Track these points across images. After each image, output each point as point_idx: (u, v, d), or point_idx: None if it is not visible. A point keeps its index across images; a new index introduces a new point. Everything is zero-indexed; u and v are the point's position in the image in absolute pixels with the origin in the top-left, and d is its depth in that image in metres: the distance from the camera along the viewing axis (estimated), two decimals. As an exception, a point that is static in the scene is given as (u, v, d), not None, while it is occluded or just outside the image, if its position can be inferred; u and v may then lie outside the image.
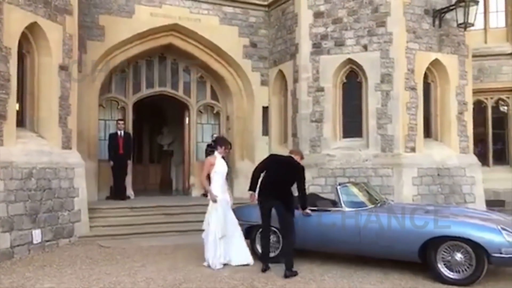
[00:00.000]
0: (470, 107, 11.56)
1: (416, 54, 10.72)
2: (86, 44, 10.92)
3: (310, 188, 10.25)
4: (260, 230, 7.06)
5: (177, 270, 6.78)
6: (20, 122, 8.40)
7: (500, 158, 13.44)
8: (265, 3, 12.91)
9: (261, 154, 11.19)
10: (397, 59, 10.54)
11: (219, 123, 13.64)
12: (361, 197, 7.43)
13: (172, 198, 12.93)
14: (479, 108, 13.24)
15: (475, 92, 12.13)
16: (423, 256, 6.25)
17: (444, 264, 6.09)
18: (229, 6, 12.58)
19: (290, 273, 6.40)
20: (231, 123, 13.29)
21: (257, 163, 7.30)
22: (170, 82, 12.89)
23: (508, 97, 13.35)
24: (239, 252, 7.04)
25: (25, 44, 8.47)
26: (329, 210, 7.08)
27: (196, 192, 12.91)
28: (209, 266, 6.90)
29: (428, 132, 11.21)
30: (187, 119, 13.32)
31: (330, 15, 11.19)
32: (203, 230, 6.88)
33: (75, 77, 9.32)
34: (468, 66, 11.51)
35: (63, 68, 8.93)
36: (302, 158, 7.19)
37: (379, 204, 7.26)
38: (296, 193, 6.88)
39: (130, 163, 11.88)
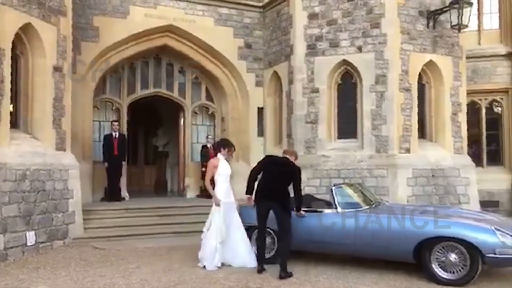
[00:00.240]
0: (464, 108, 11.61)
1: (411, 55, 10.76)
2: (81, 45, 10.88)
3: (305, 189, 10.23)
4: (256, 231, 7.01)
5: (172, 271, 6.77)
6: (14, 124, 8.37)
7: (494, 159, 13.49)
8: (260, 4, 12.93)
9: (256, 155, 11.19)
10: (392, 60, 10.57)
11: (214, 124, 13.63)
12: (356, 198, 7.44)
13: (167, 199, 12.90)
14: (473, 109, 13.29)
15: (469, 93, 12.19)
16: (417, 256, 6.27)
17: (439, 265, 6.11)
18: (224, 7, 12.58)
19: (285, 274, 6.40)
20: (226, 124, 13.29)
21: (252, 164, 7.31)
22: (165, 83, 12.86)
23: (502, 98, 13.40)
24: (242, 255, 6.97)
25: (19, 45, 8.44)
26: (324, 211, 7.07)
27: (191, 194, 12.90)
28: (204, 267, 6.87)
29: (422, 133, 11.25)
30: (182, 120, 13.30)
31: (324, 17, 11.22)
32: (199, 232, 6.86)
33: (69, 78, 9.29)
34: (462, 67, 11.56)
35: (57, 69, 8.90)
36: (296, 158, 7.20)
37: (374, 205, 7.28)
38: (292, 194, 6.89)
39: (124, 164, 11.86)
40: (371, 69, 10.72)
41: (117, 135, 11.48)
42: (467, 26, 10.75)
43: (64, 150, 9.13)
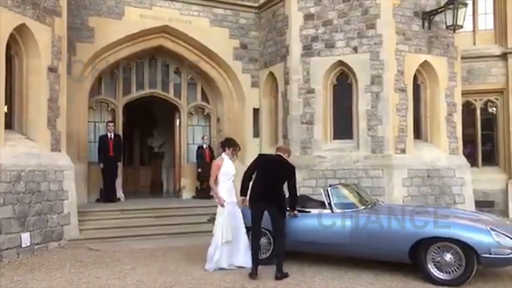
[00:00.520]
0: (459, 108, 11.65)
1: (406, 56, 10.78)
2: (76, 45, 10.84)
3: (301, 190, 10.25)
4: (251, 233, 6.88)
5: (168, 272, 6.75)
6: (8, 125, 8.33)
7: (489, 159, 13.53)
8: (256, 5, 12.92)
9: (252, 156, 10.98)
10: (387, 61, 10.59)
11: (209, 125, 13.62)
12: (352, 198, 7.45)
13: (163, 200, 12.88)
14: (468, 110, 13.32)
15: (464, 93, 12.22)
16: (413, 257, 6.28)
17: (434, 265, 6.13)
18: (219, 8, 12.57)
19: (281, 274, 6.39)
20: (221, 125, 13.28)
21: (247, 165, 7.21)
22: (160, 84, 12.85)
23: (496, 99, 13.44)
24: (244, 255, 6.91)
25: (13, 46, 8.40)
26: (320, 212, 7.06)
27: (187, 194, 12.89)
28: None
29: (418, 134, 11.27)
30: (177, 121, 13.29)
31: (320, 17, 11.23)
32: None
33: (64, 79, 9.25)
34: (457, 68, 11.59)
35: (52, 70, 8.87)
36: (289, 155, 7.12)
37: (369, 206, 7.28)
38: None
39: (120, 165, 11.83)
40: (366, 69, 10.74)
41: (112, 136, 11.45)
42: (462, 26, 10.79)
43: (59, 151, 9.09)
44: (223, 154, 7.25)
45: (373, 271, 6.69)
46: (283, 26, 11.89)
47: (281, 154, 6.99)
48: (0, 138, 7.77)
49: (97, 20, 11.17)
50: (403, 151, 10.63)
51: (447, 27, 10.71)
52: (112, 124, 11.64)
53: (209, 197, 12.10)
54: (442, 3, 10.82)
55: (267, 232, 7.04)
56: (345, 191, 7.60)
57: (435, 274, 6.10)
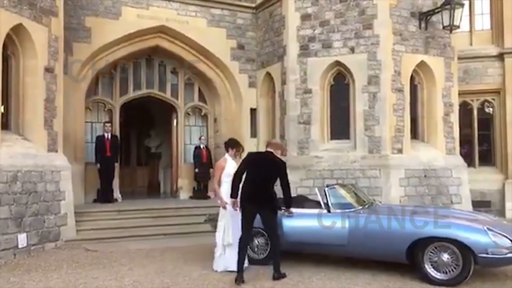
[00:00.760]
0: (456, 108, 11.68)
1: (403, 56, 10.80)
2: (72, 46, 10.82)
3: (298, 190, 10.28)
4: (239, 237, 6.49)
5: (165, 273, 6.74)
6: (5, 125, 8.32)
7: (486, 159, 13.56)
8: (253, 5, 12.92)
9: (249, 156, 11.16)
10: (384, 61, 10.61)
11: (207, 125, 13.61)
12: (349, 198, 7.44)
13: (160, 201, 12.86)
14: (465, 110, 13.35)
15: (461, 93, 12.25)
16: (410, 257, 6.28)
17: (431, 265, 6.13)
18: (216, 8, 12.56)
19: (278, 275, 6.36)
20: (219, 125, 13.28)
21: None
22: (157, 84, 12.84)
23: (493, 99, 13.48)
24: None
25: (10, 46, 8.38)
26: (317, 212, 7.05)
27: (184, 195, 12.88)
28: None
29: (415, 134, 11.29)
30: (174, 121, 13.28)
31: (317, 18, 11.24)
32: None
33: (61, 79, 9.23)
34: (454, 68, 11.62)
35: (48, 70, 8.85)
36: (283, 152, 6.81)
37: (366, 206, 7.28)
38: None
39: (117, 165, 11.81)
40: (363, 70, 10.75)
41: (109, 136, 11.44)
42: (458, 27, 10.82)
43: (56, 151, 9.07)
44: (226, 155, 7.18)
45: (371, 271, 6.69)
46: (280, 27, 11.89)
47: (272, 150, 6.66)
48: (-3, 138, 7.75)
49: (94, 20, 11.15)
50: (400, 151, 10.65)
51: (444, 27, 10.73)
52: (109, 124, 11.63)
53: (206, 197, 12.16)
54: (439, 4, 10.83)
55: (264, 232, 7.00)
56: (342, 191, 7.60)
57: (432, 274, 6.10)
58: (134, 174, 15.85)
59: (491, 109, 13.60)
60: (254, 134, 12.92)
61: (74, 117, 10.87)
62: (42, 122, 8.73)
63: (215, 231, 7.10)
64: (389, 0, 10.68)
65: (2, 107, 8.14)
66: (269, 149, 6.72)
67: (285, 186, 6.53)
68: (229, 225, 6.77)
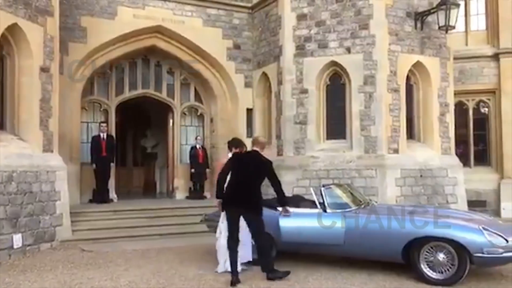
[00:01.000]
0: (452, 108, 11.71)
1: (399, 56, 10.83)
2: (68, 45, 10.79)
3: (294, 190, 10.30)
4: (227, 239, 6.33)
5: (161, 273, 6.72)
6: (0, 125, 8.30)
7: (481, 159, 13.60)
8: (249, 5, 12.92)
9: (245, 156, 11.14)
10: (380, 61, 10.63)
11: (203, 125, 13.60)
12: (345, 198, 7.44)
13: (156, 201, 12.83)
14: (460, 110, 13.39)
15: (457, 93, 12.28)
16: (406, 256, 6.29)
17: (427, 265, 6.14)
18: (212, 8, 12.56)
19: (272, 275, 6.23)
20: (215, 125, 13.27)
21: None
22: (153, 84, 12.83)
23: (489, 99, 13.51)
24: (247, 251, 6.72)
25: (5, 46, 8.36)
26: (313, 212, 7.06)
27: (180, 195, 12.86)
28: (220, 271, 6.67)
29: (410, 134, 11.32)
30: (171, 121, 13.26)
31: (313, 18, 11.24)
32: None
33: (56, 79, 9.20)
34: (450, 68, 11.66)
35: (44, 70, 8.81)
36: (263, 148, 6.56)
37: (363, 206, 7.28)
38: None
39: (113, 166, 11.78)
40: (359, 70, 10.77)
41: (105, 137, 11.41)
42: (454, 27, 10.85)
43: (52, 151, 9.03)
44: (229, 155, 7.08)
45: (367, 271, 6.70)
46: (276, 26, 11.90)
47: (258, 149, 6.47)
48: (-8, 138, 7.72)
49: (89, 20, 11.13)
50: (396, 151, 10.67)
51: (440, 27, 10.76)
52: (104, 124, 11.60)
53: (203, 197, 12.15)
54: (435, 4, 10.87)
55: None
56: (338, 191, 7.59)
57: (428, 274, 6.10)
58: (130, 174, 15.82)
59: (486, 109, 13.65)
60: (250, 134, 12.87)
61: (69, 117, 10.84)
62: (37, 122, 8.70)
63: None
64: (385, 0, 10.71)
65: (-3, 107, 8.12)
66: (255, 148, 6.55)
67: (276, 185, 6.37)
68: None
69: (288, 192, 7.74)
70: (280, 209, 6.81)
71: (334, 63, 11.11)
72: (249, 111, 12.94)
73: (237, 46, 12.84)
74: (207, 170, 12.62)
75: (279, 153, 11.64)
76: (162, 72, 12.92)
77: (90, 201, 11.29)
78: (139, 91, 12.65)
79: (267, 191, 6.82)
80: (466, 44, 13.60)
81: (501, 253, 5.84)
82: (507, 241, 5.88)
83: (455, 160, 11.61)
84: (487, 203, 12.94)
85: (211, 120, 13.40)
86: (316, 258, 7.31)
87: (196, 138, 12.87)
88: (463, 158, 12.66)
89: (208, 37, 12.43)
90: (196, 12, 12.35)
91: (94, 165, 11.25)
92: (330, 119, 11.36)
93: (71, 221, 9.18)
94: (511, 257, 5.93)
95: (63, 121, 9.92)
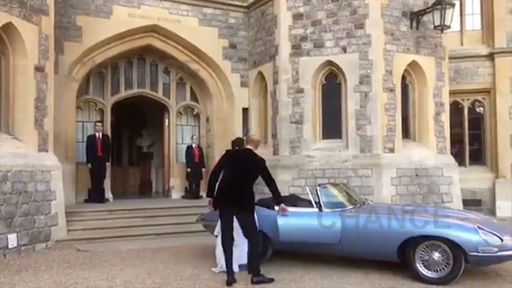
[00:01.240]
0: (447, 108, 11.75)
1: (394, 55, 10.85)
2: (63, 45, 10.75)
3: (290, 189, 10.31)
4: (221, 239, 6.34)
5: (157, 273, 6.71)
6: (-5, 125, 8.25)
7: (476, 158, 13.66)
8: (245, 4, 12.91)
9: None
10: (376, 61, 10.65)
11: (199, 124, 13.59)
12: (341, 198, 7.44)
13: (152, 200, 12.82)
14: (455, 109, 13.44)
15: (452, 93, 12.32)
16: (402, 255, 6.30)
17: (422, 264, 6.15)
18: (208, 7, 12.54)
19: (257, 279, 6.05)
20: (211, 124, 13.26)
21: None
22: (149, 84, 12.80)
23: (484, 98, 13.57)
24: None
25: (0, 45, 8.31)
26: (309, 211, 7.06)
27: (176, 195, 12.84)
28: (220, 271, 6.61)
29: (406, 133, 11.35)
30: (166, 120, 13.24)
31: (309, 17, 11.25)
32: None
33: (51, 79, 9.16)
34: (445, 68, 11.69)
35: (39, 69, 8.78)
36: (257, 146, 6.45)
37: (358, 205, 7.29)
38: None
39: (108, 165, 11.76)
40: (355, 69, 10.78)
41: (100, 136, 11.38)
42: (449, 27, 10.89)
43: (47, 151, 9.00)
44: None
45: (363, 270, 6.71)
46: (272, 26, 11.90)
47: (251, 147, 6.39)
48: (-14, 138, 7.69)
49: (85, 19, 11.09)
50: (391, 150, 10.70)
51: (435, 27, 10.79)
52: (100, 124, 11.57)
53: (198, 197, 12.14)
54: (430, 4, 10.90)
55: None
56: (334, 191, 7.60)
57: (424, 272, 6.12)
58: (125, 173, 15.77)
59: (481, 108, 13.70)
60: (246, 133, 12.86)
61: (65, 117, 10.80)
62: (32, 122, 8.66)
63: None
64: (381, 0, 10.73)
65: (-8, 107, 8.08)
66: (249, 146, 6.47)
67: (271, 183, 6.32)
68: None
69: (284, 192, 7.75)
70: (277, 208, 6.81)
71: (330, 63, 11.12)
72: (245, 110, 12.94)
73: (233, 46, 12.83)
74: (203, 169, 12.61)
75: (275, 152, 11.65)
76: (158, 72, 12.90)
77: (86, 200, 11.26)
78: (135, 90, 12.62)
79: (263, 190, 6.81)
80: (461, 44, 13.66)
81: (496, 252, 5.85)
82: (502, 240, 5.90)
83: (451, 159, 11.65)
84: (482, 202, 13.00)
85: (207, 120, 13.38)
86: (311, 257, 7.31)
87: (192, 138, 12.87)
88: (458, 157, 12.70)
89: (204, 37, 12.41)
90: (192, 11, 12.34)
91: (89, 165, 11.21)
92: (326, 119, 11.37)
93: (66, 220, 9.14)
94: (506, 256, 5.95)
95: (58, 120, 9.88)
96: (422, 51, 11.28)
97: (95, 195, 11.17)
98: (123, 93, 12.48)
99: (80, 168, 11.34)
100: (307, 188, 7.41)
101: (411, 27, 11.11)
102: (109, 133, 11.99)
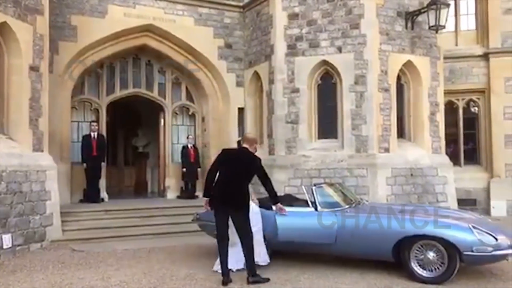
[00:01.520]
0: (442, 108, 11.79)
1: (389, 55, 10.88)
2: (58, 44, 10.73)
3: (286, 189, 10.33)
4: (216, 239, 6.32)
5: (152, 273, 6.70)
6: (-11, 125, 8.22)
7: (471, 158, 13.71)
8: (240, 4, 12.91)
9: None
10: (371, 61, 10.67)
11: (194, 124, 13.57)
12: (336, 197, 7.46)
13: (147, 200, 12.80)
14: (450, 109, 13.49)
15: (447, 93, 12.37)
16: (397, 255, 6.32)
17: (417, 263, 6.17)
18: (204, 7, 12.53)
19: (253, 279, 6.03)
20: (206, 124, 13.24)
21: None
22: (144, 83, 12.78)
23: (478, 98, 13.63)
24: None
25: (-6, 45, 8.29)
26: (305, 211, 7.07)
27: (171, 194, 12.83)
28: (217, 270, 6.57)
29: (401, 133, 11.38)
30: (162, 120, 13.22)
31: (304, 17, 11.27)
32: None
33: (46, 78, 9.13)
34: (440, 68, 11.73)
35: (33, 69, 8.75)
36: (252, 145, 6.41)
37: (354, 205, 7.30)
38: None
39: (104, 165, 11.73)
40: (350, 69, 10.80)
41: (96, 136, 11.36)
42: (444, 27, 10.93)
43: (42, 151, 8.97)
44: None
45: (359, 269, 6.72)
46: (268, 26, 11.90)
47: (247, 146, 6.35)
48: (-19, 138, 7.65)
49: (80, 19, 11.06)
50: (387, 150, 10.73)
51: (430, 27, 10.82)
52: (95, 123, 11.54)
53: (194, 197, 12.13)
54: (425, 4, 10.92)
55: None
56: (330, 190, 7.61)
57: (419, 272, 6.14)
58: (121, 173, 15.74)
59: (476, 108, 13.76)
60: (241, 133, 12.85)
61: (60, 117, 10.77)
62: (27, 122, 8.63)
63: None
64: (376, 0, 10.75)
65: (-14, 107, 8.04)
66: (244, 145, 6.44)
67: (267, 183, 6.32)
68: (232, 226, 6.50)
69: (279, 192, 7.74)
70: (274, 207, 6.83)
71: (325, 63, 11.13)
72: (241, 110, 12.94)
73: (228, 45, 12.82)
74: (199, 169, 12.60)
75: (271, 152, 11.66)
76: (153, 71, 12.88)
77: (81, 200, 11.23)
78: (130, 90, 12.60)
79: (259, 189, 6.81)
80: (456, 44, 13.71)
81: (491, 252, 5.88)
82: (496, 239, 5.93)
83: (445, 159, 11.69)
84: (477, 202, 13.06)
85: (203, 119, 13.37)
86: (307, 257, 7.31)
87: (187, 137, 12.85)
88: (453, 157, 12.75)
89: (199, 36, 12.40)
90: (187, 11, 12.32)
91: (84, 165, 11.19)
92: (322, 119, 11.39)
93: (61, 221, 9.11)
94: (501, 255, 5.98)
95: (53, 120, 9.86)
96: (417, 51, 11.31)
97: (90, 195, 11.14)
98: (119, 93, 12.45)
99: (75, 168, 11.31)
100: (303, 187, 7.43)
101: (406, 27, 11.14)
102: (104, 133, 11.97)
